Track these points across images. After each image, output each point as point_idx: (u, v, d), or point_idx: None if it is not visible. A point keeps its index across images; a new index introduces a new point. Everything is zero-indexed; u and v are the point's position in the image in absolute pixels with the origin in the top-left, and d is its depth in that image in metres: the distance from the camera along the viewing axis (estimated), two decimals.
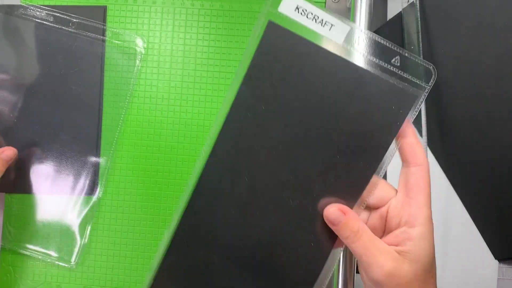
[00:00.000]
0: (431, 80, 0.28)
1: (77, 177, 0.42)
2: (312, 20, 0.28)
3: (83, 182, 0.42)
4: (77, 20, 0.42)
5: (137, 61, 0.43)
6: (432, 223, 0.28)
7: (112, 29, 0.42)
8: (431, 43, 0.42)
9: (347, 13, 0.42)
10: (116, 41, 0.42)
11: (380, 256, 0.27)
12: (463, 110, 0.41)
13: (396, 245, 0.27)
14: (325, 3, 0.42)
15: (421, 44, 0.42)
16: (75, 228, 0.42)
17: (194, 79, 0.43)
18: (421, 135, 0.41)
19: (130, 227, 0.42)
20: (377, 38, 0.28)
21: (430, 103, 0.42)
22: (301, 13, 0.28)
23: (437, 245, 0.42)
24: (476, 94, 0.40)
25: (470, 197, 0.42)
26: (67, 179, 0.42)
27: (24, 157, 0.42)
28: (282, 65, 0.28)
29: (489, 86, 0.39)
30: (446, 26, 0.41)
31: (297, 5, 0.27)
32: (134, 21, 0.43)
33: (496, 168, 0.40)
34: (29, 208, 0.42)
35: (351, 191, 0.29)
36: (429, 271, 0.27)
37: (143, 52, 0.43)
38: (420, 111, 0.41)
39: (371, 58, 0.28)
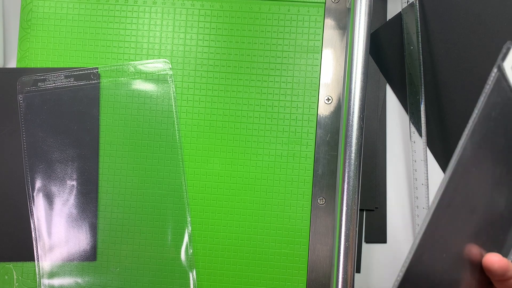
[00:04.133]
0: None
1: None
2: None
3: None
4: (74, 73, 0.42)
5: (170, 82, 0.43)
6: None
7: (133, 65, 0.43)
8: (431, 43, 0.42)
9: (347, 14, 0.42)
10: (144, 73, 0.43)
11: None
12: (463, 110, 0.41)
13: None
14: (324, 3, 0.42)
15: (420, 45, 0.42)
16: None
17: (194, 79, 0.43)
18: (420, 135, 0.41)
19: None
20: None
21: (430, 103, 0.42)
22: None
23: None
24: (476, 95, 0.40)
25: None
26: None
27: None
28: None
29: None
30: (446, 26, 0.41)
31: None
32: (135, 21, 0.43)
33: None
34: None
35: None
36: None
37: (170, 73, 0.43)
38: (420, 111, 0.41)
39: None
